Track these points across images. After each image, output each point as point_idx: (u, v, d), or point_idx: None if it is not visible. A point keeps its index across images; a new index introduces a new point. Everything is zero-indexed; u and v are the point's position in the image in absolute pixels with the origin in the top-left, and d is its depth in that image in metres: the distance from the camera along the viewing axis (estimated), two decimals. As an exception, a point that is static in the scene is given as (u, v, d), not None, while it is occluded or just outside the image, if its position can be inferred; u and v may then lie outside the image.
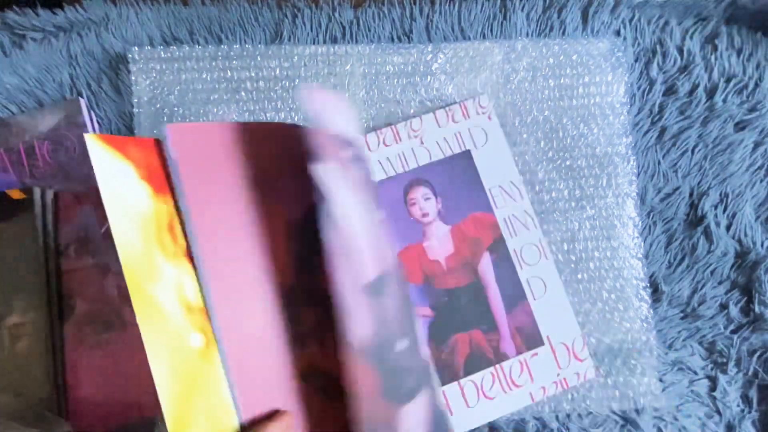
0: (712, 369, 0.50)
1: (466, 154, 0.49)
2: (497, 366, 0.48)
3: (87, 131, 0.47)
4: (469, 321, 0.48)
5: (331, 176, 0.31)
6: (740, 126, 0.52)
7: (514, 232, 0.49)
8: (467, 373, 0.47)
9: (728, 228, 0.51)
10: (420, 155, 0.49)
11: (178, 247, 0.30)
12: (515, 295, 0.48)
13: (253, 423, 0.30)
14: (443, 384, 0.47)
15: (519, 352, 0.48)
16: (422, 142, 0.49)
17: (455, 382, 0.47)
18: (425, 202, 0.49)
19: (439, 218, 0.49)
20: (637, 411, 0.49)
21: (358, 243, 0.32)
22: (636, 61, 0.52)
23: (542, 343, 0.48)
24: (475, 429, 0.48)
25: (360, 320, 0.31)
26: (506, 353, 0.48)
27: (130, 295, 0.26)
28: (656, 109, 0.52)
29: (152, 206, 0.29)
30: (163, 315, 0.28)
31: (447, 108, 0.50)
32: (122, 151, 0.29)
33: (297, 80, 0.50)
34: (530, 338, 0.48)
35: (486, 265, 0.49)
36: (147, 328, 0.27)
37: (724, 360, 0.50)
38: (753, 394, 0.50)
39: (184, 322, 0.29)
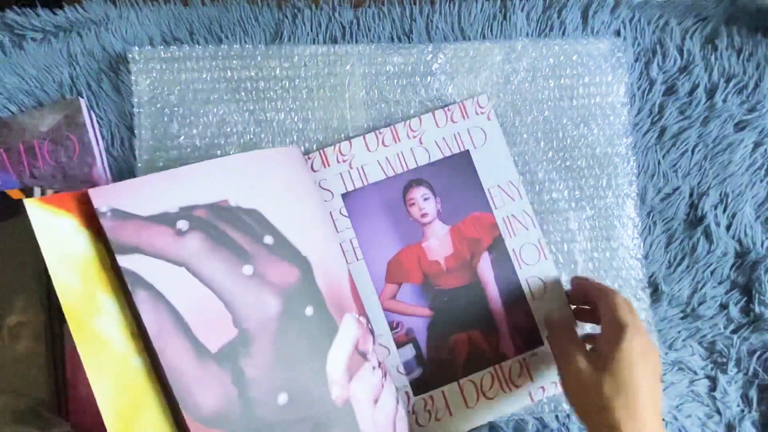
0: (712, 369, 0.50)
1: (465, 154, 0.49)
2: (496, 366, 0.48)
3: (87, 131, 0.47)
4: (468, 321, 0.48)
5: (138, 264, 0.32)
6: (740, 126, 0.52)
7: (513, 232, 0.49)
8: (466, 373, 0.47)
9: (728, 228, 0.51)
10: (419, 155, 0.49)
11: (120, 282, 0.33)
12: (514, 295, 0.48)
13: None
14: (442, 384, 0.47)
15: (518, 352, 0.48)
16: (421, 142, 0.49)
17: (454, 383, 0.47)
18: (424, 202, 0.49)
19: (439, 218, 0.49)
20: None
21: (197, 316, 0.32)
22: (636, 61, 0.52)
23: (541, 343, 0.48)
24: (475, 429, 0.48)
25: (201, 390, 0.32)
26: (505, 353, 0.48)
27: (71, 331, 0.30)
28: (656, 109, 0.52)
29: (93, 249, 0.33)
30: (104, 344, 0.31)
31: (446, 108, 0.50)
32: (62, 207, 0.32)
33: (297, 80, 0.50)
34: (529, 338, 0.48)
35: (485, 266, 0.48)
36: (89, 358, 0.30)
37: (724, 360, 0.50)
38: (753, 394, 0.50)
39: (128, 349, 0.32)
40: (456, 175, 0.49)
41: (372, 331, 0.43)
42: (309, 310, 0.37)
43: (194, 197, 0.35)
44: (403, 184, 0.49)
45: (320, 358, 0.36)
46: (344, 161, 0.48)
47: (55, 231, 0.31)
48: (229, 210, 0.36)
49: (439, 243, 0.48)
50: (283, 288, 0.36)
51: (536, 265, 0.49)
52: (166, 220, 0.34)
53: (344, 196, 0.48)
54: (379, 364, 0.42)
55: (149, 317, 0.31)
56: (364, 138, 0.49)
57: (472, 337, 0.48)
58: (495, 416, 0.48)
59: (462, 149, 0.49)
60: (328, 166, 0.48)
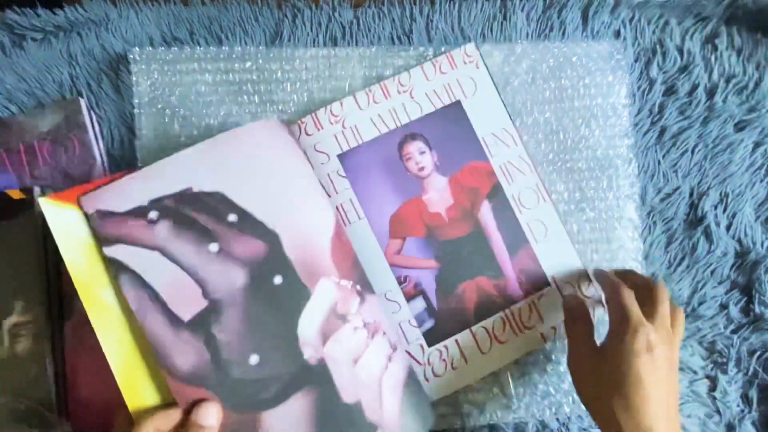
0: (712, 369, 0.50)
1: (457, 105, 0.49)
2: (507, 310, 0.48)
3: (87, 131, 0.47)
4: (474, 269, 0.48)
5: (120, 252, 0.38)
6: (740, 126, 0.52)
7: (510, 178, 0.49)
8: (478, 320, 0.48)
9: (728, 228, 0.51)
10: (411, 110, 0.49)
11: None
12: (517, 240, 0.49)
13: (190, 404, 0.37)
14: (455, 333, 0.48)
15: (527, 295, 0.48)
16: (412, 96, 0.49)
17: (467, 330, 0.48)
18: (420, 156, 0.49)
19: (436, 171, 0.49)
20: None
21: (171, 291, 0.38)
22: (636, 61, 0.52)
23: (548, 284, 0.49)
24: (475, 427, 0.48)
25: (177, 354, 0.37)
26: (513, 297, 0.48)
27: (82, 300, 0.37)
28: (656, 109, 0.52)
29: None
30: (110, 310, 0.37)
31: (434, 60, 0.50)
32: (70, 201, 0.38)
33: (298, 83, 0.50)
34: (536, 280, 0.49)
35: (486, 213, 0.49)
36: (97, 321, 0.37)
37: (724, 360, 0.50)
38: (753, 394, 0.50)
39: (132, 315, 0.37)
40: (450, 126, 0.49)
41: (360, 293, 0.44)
42: (277, 279, 0.40)
43: (162, 190, 0.40)
44: (397, 140, 0.49)
45: (290, 322, 0.40)
46: (337, 122, 0.49)
47: (65, 220, 0.38)
48: (192, 196, 0.40)
49: (439, 195, 0.49)
50: (249, 260, 0.40)
51: (536, 209, 0.49)
52: (139, 213, 0.39)
53: (340, 156, 0.48)
54: (365, 324, 0.43)
55: (131, 296, 0.37)
56: (355, 96, 0.49)
57: (479, 284, 0.48)
58: (509, 360, 0.48)
59: (453, 100, 0.49)
60: (322, 128, 0.48)
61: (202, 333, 0.38)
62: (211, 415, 0.37)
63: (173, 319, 0.38)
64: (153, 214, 0.39)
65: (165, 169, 0.41)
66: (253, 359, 0.39)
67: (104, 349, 0.36)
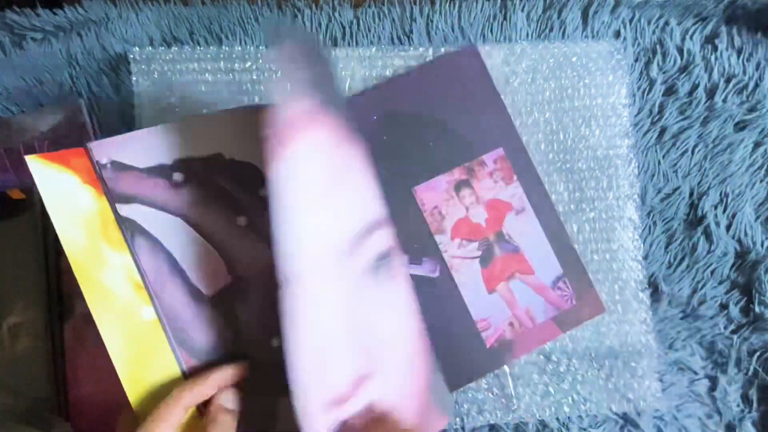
0: (712, 369, 0.50)
1: None
2: None
3: (87, 131, 0.47)
4: None
5: (136, 213, 0.34)
6: (740, 126, 0.52)
7: None
8: None
9: (728, 228, 0.51)
10: None
11: (123, 233, 0.35)
12: None
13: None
14: None
15: None
16: None
17: None
18: None
19: None
20: (637, 411, 0.49)
21: (193, 263, 0.35)
22: (636, 61, 0.52)
23: None
24: (475, 427, 0.48)
25: (197, 331, 0.35)
26: None
27: (79, 284, 0.32)
28: (656, 109, 0.52)
29: (97, 205, 0.34)
30: (111, 296, 0.33)
31: None
32: (64, 164, 0.34)
33: (298, 82, 0.50)
34: None
35: None
36: (97, 309, 0.32)
37: (724, 360, 0.50)
38: (753, 394, 0.50)
39: (135, 300, 0.34)
40: None
41: None
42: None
43: (189, 150, 0.37)
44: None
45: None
46: None
47: (59, 187, 0.33)
48: (223, 163, 0.37)
49: None
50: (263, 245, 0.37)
51: None
52: (162, 172, 0.36)
53: None
54: None
55: (147, 262, 0.34)
56: None
57: None
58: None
59: None
60: None
61: (224, 310, 0.35)
62: (236, 398, 0.34)
63: (194, 293, 0.35)
64: (178, 176, 0.36)
65: (192, 129, 0.37)
66: (275, 342, 0.36)
67: (104, 340, 0.32)
